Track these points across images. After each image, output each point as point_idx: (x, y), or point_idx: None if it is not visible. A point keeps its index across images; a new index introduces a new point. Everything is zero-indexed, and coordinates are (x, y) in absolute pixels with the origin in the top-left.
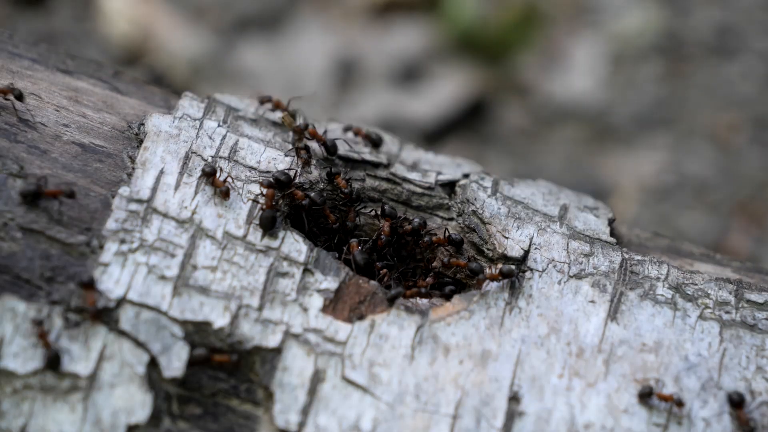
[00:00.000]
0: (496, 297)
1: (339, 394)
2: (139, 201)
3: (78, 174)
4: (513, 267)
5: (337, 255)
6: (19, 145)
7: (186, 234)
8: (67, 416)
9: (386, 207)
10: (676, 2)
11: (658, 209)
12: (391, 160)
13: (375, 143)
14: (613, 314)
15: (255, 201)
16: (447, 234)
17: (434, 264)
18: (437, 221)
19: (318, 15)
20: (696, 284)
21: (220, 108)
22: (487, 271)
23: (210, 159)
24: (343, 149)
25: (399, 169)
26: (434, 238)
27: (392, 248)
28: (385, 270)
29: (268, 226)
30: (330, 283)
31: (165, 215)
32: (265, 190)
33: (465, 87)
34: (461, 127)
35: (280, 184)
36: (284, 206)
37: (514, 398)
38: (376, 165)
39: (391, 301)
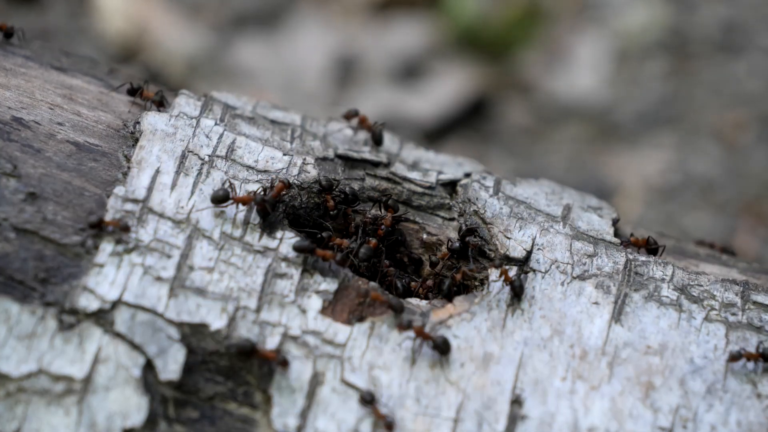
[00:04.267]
0: (498, 298)
1: (338, 398)
2: (135, 201)
3: (72, 173)
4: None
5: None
6: (13, 144)
7: (182, 234)
8: (62, 420)
9: (390, 201)
10: None
11: (663, 209)
12: (391, 159)
13: (377, 140)
14: (617, 316)
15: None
16: (450, 245)
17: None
18: (438, 221)
19: (317, 11)
20: (701, 285)
21: (217, 106)
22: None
23: (207, 158)
24: (342, 148)
25: (399, 168)
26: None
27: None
28: (391, 269)
29: (263, 214)
30: (329, 285)
31: (161, 215)
32: (276, 183)
33: (466, 85)
34: (462, 125)
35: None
36: (285, 206)
37: (516, 402)
38: (376, 164)
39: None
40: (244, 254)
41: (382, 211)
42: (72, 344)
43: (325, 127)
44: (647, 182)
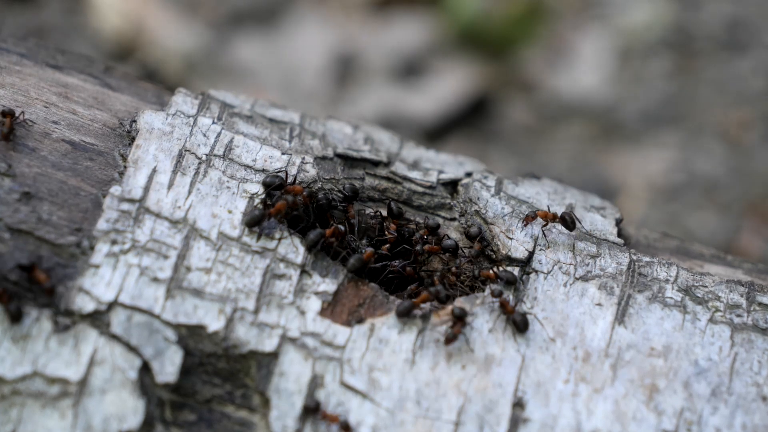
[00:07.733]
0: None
1: (337, 400)
2: (131, 201)
3: (68, 173)
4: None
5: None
6: (8, 143)
7: (179, 234)
8: (57, 423)
9: (392, 205)
10: None
11: (667, 209)
12: (391, 158)
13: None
14: (620, 317)
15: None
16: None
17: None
18: (438, 221)
19: (316, 8)
20: (706, 286)
21: (215, 105)
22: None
23: (204, 157)
24: (341, 147)
25: (399, 168)
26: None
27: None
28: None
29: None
30: (328, 285)
31: (158, 215)
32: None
33: (467, 83)
34: (464, 124)
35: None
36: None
37: (518, 404)
38: (376, 163)
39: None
40: (242, 255)
41: (383, 213)
42: (67, 346)
43: (324, 126)
44: (651, 182)
